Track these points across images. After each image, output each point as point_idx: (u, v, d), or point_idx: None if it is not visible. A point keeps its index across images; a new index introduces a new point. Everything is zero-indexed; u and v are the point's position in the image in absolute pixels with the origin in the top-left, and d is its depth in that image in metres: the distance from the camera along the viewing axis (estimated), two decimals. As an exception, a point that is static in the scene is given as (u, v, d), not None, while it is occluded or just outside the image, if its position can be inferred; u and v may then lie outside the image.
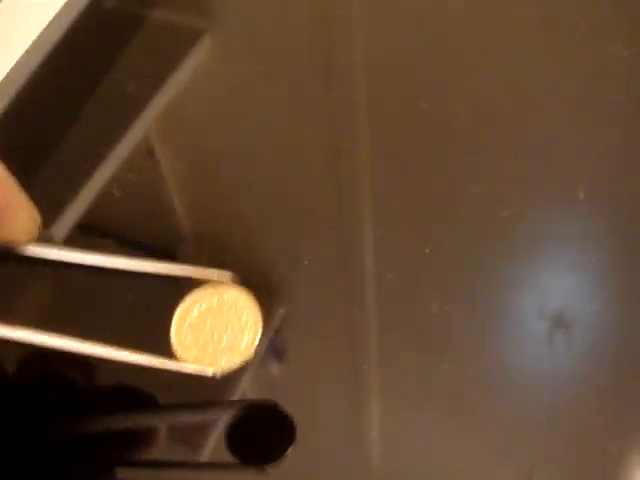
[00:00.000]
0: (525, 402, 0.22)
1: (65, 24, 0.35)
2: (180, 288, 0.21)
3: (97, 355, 0.20)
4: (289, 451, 0.21)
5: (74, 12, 0.35)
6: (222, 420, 0.22)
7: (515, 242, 0.26)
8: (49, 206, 0.26)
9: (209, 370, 0.20)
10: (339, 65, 0.33)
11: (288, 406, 0.22)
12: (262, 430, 0.22)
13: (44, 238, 0.22)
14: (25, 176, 0.21)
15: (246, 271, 0.25)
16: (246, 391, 0.22)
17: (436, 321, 0.24)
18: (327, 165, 0.29)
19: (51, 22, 0.35)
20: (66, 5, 0.35)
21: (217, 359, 0.20)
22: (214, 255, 0.25)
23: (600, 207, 0.26)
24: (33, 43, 0.34)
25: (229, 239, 0.26)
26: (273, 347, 0.23)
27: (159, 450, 0.22)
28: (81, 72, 0.34)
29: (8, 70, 0.32)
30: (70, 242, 0.26)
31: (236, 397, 0.22)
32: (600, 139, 0.29)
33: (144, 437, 0.22)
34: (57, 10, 0.35)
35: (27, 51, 0.33)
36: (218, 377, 0.20)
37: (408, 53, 0.33)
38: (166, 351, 0.20)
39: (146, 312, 0.25)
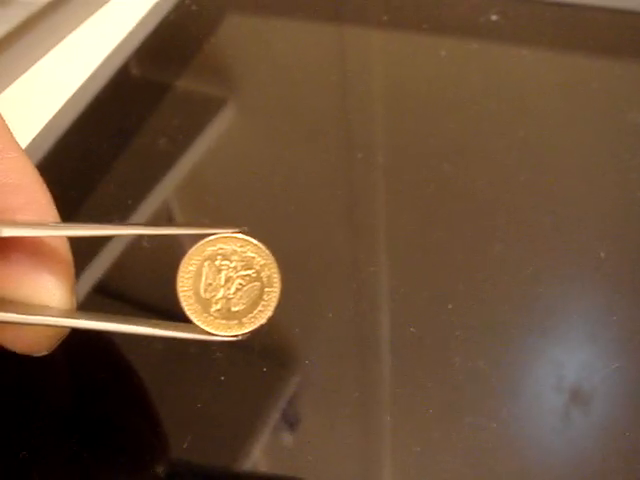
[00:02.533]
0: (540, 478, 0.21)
1: (94, 89, 0.36)
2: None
3: (97, 329, 0.19)
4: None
5: (103, 79, 0.37)
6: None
7: (535, 308, 0.25)
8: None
9: (233, 334, 0.18)
10: (360, 132, 0.33)
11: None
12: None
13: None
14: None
15: (260, 339, 0.25)
16: (257, 462, 0.23)
17: (453, 390, 0.23)
18: (347, 229, 0.29)
19: (80, 87, 0.36)
20: (95, 72, 0.37)
21: (239, 321, 0.18)
22: None
23: (621, 275, 0.26)
24: (63, 106, 0.35)
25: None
26: (285, 418, 0.23)
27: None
28: (106, 138, 0.35)
29: (39, 131, 0.34)
30: (87, 305, 0.27)
31: (247, 468, 0.23)
32: (618, 204, 0.29)
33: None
34: (87, 75, 0.37)
35: (56, 115, 0.35)
36: (242, 339, 0.18)
37: (428, 117, 0.34)
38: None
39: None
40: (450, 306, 0.25)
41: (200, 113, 0.35)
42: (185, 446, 0.22)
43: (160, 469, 0.22)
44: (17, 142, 0.21)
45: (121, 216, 0.30)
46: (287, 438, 0.23)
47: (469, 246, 0.28)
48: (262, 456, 0.22)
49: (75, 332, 0.25)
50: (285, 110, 0.36)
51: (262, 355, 0.25)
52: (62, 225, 0.20)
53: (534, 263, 0.27)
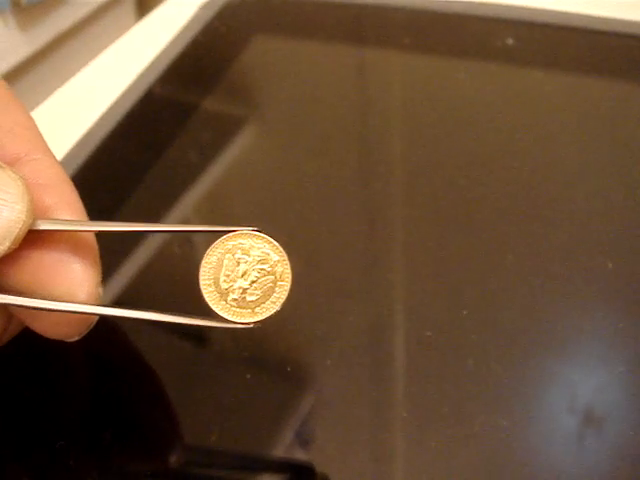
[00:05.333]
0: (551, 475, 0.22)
1: (127, 105, 0.38)
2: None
3: (122, 316, 0.20)
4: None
5: (136, 96, 0.38)
6: None
7: (545, 314, 0.26)
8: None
9: (246, 321, 0.20)
10: (380, 149, 0.35)
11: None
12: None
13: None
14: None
15: (277, 353, 0.26)
16: (285, 454, 0.23)
17: (467, 390, 0.24)
18: (367, 240, 0.30)
19: (114, 104, 0.38)
20: (128, 89, 0.38)
21: (252, 310, 0.20)
22: (246, 336, 0.26)
23: (628, 284, 0.27)
24: (98, 121, 0.37)
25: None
26: (300, 432, 0.24)
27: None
28: (138, 152, 0.36)
29: (74, 143, 0.35)
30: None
31: (275, 459, 0.23)
32: (625, 217, 0.30)
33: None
34: (121, 92, 0.38)
35: (91, 129, 0.36)
36: (254, 327, 0.20)
37: (445, 135, 0.35)
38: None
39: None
40: (465, 312, 0.26)
41: (226, 129, 0.37)
42: (213, 439, 0.23)
43: (189, 460, 0.24)
44: (45, 143, 0.22)
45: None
46: (310, 431, 0.24)
47: (483, 256, 0.29)
48: (289, 447, 0.23)
49: (109, 334, 0.27)
50: (307, 127, 0.37)
51: (286, 355, 0.26)
52: (92, 222, 0.21)
53: (544, 272, 0.28)
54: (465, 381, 0.24)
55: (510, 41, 0.40)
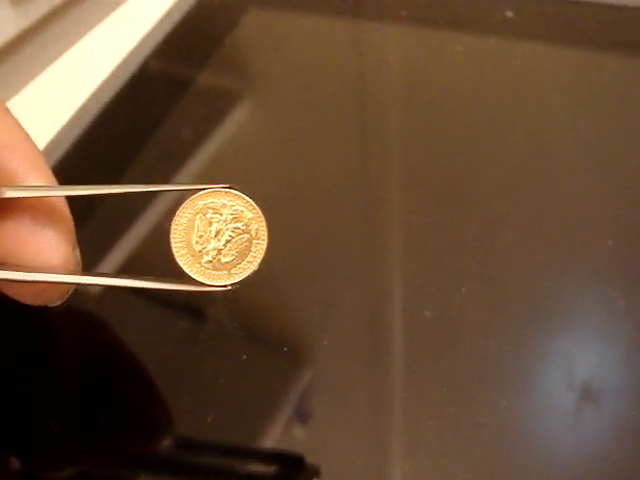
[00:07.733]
0: (551, 476, 0.22)
1: (120, 82, 0.37)
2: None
3: (97, 283, 0.20)
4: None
5: (128, 72, 0.38)
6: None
7: (544, 292, 0.26)
8: (91, 252, 0.26)
9: (223, 284, 0.19)
10: (376, 125, 0.34)
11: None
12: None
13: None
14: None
15: (273, 333, 0.26)
16: (279, 435, 0.23)
17: (466, 370, 0.24)
18: (364, 218, 0.30)
19: (107, 79, 0.37)
20: (120, 65, 0.38)
21: (228, 272, 0.19)
22: (242, 315, 0.26)
23: (628, 262, 0.27)
24: (90, 97, 0.36)
25: (257, 299, 0.27)
26: (297, 412, 0.23)
27: None
28: (132, 128, 0.36)
29: (67, 120, 0.35)
30: (108, 290, 0.27)
31: (269, 439, 0.23)
32: (625, 195, 0.30)
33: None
34: (113, 68, 0.38)
35: (83, 105, 0.36)
36: (231, 289, 0.19)
37: (443, 110, 0.35)
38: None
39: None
40: (463, 290, 0.26)
41: (221, 105, 0.36)
42: (209, 420, 0.23)
43: (185, 441, 0.23)
44: (3, 104, 0.21)
45: (145, 201, 0.31)
46: (307, 412, 0.24)
47: (482, 234, 0.28)
48: (286, 427, 0.23)
49: (102, 314, 0.26)
50: (303, 103, 0.36)
51: (282, 336, 0.26)
52: (61, 187, 0.20)
53: (544, 250, 0.27)
54: (464, 360, 0.24)
55: (509, 14, 0.40)
